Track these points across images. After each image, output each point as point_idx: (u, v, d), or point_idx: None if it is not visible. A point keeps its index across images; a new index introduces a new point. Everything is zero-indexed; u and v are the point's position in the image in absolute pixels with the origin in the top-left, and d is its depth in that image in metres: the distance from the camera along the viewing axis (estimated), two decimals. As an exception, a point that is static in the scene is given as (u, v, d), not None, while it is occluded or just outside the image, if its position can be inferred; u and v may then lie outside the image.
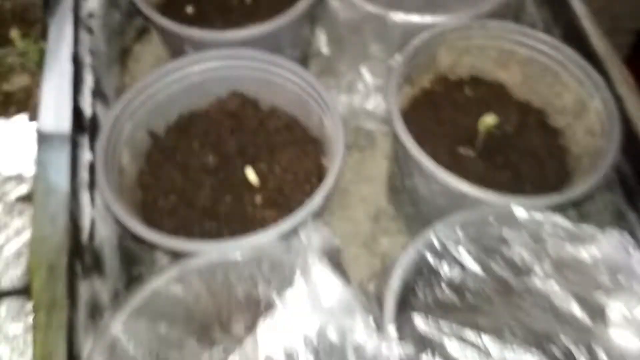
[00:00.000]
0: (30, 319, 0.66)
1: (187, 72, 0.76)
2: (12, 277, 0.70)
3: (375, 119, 0.91)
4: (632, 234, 0.74)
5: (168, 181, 0.74)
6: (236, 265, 0.59)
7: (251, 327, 0.55)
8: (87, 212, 0.72)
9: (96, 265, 0.71)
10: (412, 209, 0.81)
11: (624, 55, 2.04)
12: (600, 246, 0.59)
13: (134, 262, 0.79)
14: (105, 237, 0.75)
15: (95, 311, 0.68)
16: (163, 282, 0.60)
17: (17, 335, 0.66)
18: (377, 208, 0.88)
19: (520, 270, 0.61)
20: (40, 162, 0.71)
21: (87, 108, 0.78)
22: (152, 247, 0.68)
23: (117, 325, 0.57)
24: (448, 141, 0.78)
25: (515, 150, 0.78)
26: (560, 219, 0.62)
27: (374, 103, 0.90)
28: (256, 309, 0.57)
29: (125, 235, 0.74)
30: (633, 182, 0.77)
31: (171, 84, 0.76)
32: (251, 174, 0.73)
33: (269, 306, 0.56)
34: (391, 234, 0.85)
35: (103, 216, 0.76)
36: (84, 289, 0.67)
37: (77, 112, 0.76)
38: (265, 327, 0.55)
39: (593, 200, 0.78)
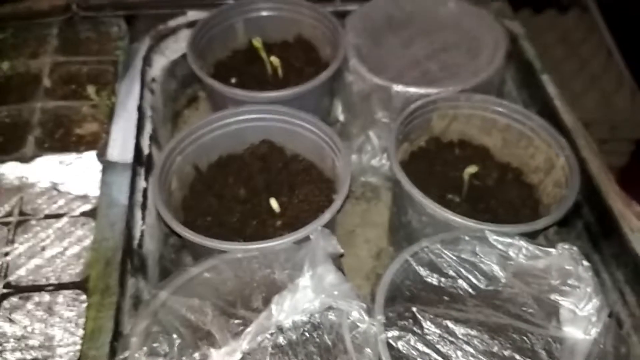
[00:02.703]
0: (83, 307, 0.80)
1: (228, 122, 0.95)
2: (71, 273, 0.84)
3: (380, 175, 1.08)
4: (597, 273, 0.88)
5: (206, 206, 0.90)
6: (258, 256, 0.74)
7: (267, 304, 0.69)
8: (138, 226, 0.88)
9: (142, 268, 0.86)
10: (407, 244, 0.95)
11: (624, 163, 2.20)
12: (554, 257, 0.72)
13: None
14: (150, 250, 0.90)
15: (138, 305, 0.82)
16: (198, 270, 0.74)
17: (70, 318, 0.80)
18: (379, 248, 1.02)
19: (489, 278, 0.75)
20: (105, 183, 0.88)
21: (145, 148, 0.97)
22: (188, 247, 0.83)
23: (159, 300, 0.71)
24: (438, 189, 0.93)
25: (495, 200, 0.93)
26: (524, 242, 0.76)
27: (380, 161, 1.07)
28: (272, 289, 0.71)
29: (167, 246, 0.90)
30: (596, 229, 0.91)
31: (214, 130, 0.94)
32: (274, 203, 0.89)
33: (283, 287, 0.70)
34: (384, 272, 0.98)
35: (151, 233, 0.91)
36: (131, 284, 0.82)
37: (137, 149, 0.94)
38: (277, 302, 0.68)
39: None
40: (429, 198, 0.83)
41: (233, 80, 1.08)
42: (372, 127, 1.05)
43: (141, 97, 1.01)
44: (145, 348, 0.66)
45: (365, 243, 1.03)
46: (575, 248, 0.72)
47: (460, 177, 0.93)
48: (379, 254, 1.01)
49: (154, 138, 1.01)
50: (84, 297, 0.81)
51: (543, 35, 2.19)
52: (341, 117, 1.11)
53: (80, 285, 0.83)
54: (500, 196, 0.94)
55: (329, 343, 0.68)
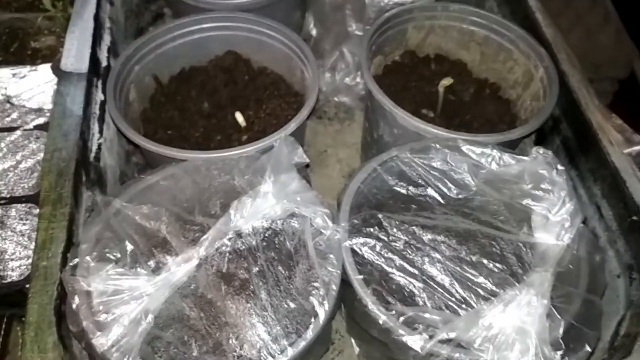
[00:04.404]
0: (36, 220, 0.76)
1: (190, 30, 0.89)
2: (24, 187, 0.80)
3: (354, 94, 1.04)
4: (574, 189, 0.85)
5: (167, 119, 0.86)
6: (218, 163, 0.70)
7: (226, 210, 0.65)
8: (95, 138, 0.83)
9: (99, 182, 0.81)
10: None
11: (608, 103, 2.17)
12: (527, 163, 0.69)
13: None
14: (110, 165, 0.86)
15: (94, 217, 0.78)
16: (155, 178, 0.70)
17: (23, 232, 0.76)
18: (351, 168, 0.99)
19: (460, 186, 0.71)
20: (59, 92, 0.83)
21: (103, 59, 0.91)
22: (150, 163, 0.79)
23: (112, 208, 0.67)
24: (412, 104, 0.89)
25: (471, 115, 0.89)
26: (497, 151, 0.72)
27: (354, 79, 1.02)
28: (231, 195, 0.67)
29: (130, 165, 0.86)
30: (574, 144, 0.87)
31: (175, 39, 0.89)
32: (239, 117, 0.85)
33: (243, 194, 0.66)
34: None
35: (110, 148, 0.87)
36: (86, 197, 0.77)
37: (94, 59, 0.88)
38: (236, 208, 0.65)
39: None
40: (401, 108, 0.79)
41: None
42: (346, 42, 1.00)
43: (98, 6, 0.94)
44: (95, 254, 0.62)
45: (337, 163, 1.00)
46: (549, 152, 0.69)
47: (436, 92, 0.88)
48: (351, 174, 0.98)
49: (113, 51, 0.94)
50: (37, 210, 0.77)
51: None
52: (314, 32, 1.05)
53: (33, 199, 0.80)
54: (477, 111, 0.90)
55: (291, 249, 0.65)
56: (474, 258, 0.64)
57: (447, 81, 0.85)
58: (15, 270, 0.73)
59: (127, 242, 0.64)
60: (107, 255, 0.63)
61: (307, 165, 0.75)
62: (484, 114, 0.89)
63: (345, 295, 0.65)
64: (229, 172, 0.69)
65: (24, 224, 0.77)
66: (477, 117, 0.89)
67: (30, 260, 0.73)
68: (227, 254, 0.63)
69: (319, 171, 0.98)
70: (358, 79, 1.02)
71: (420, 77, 0.93)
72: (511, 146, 0.82)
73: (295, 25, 1.05)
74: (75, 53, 0.87)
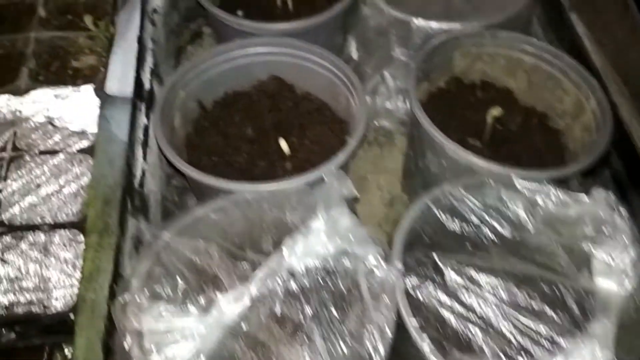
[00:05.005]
0: (80, 248, 0.75)
1: (234, 55, 0.89)
2: (68, 212, 0.79)
3: (395, 119, 1.02)
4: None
5: (212, 144, 0.85)
6: (268, 197, 0.68)
7: (277, 246, 0.64)
8: (139, 164, 0.83)
9: (143, 209, 0.81)
10: (424, 191, 0.89)
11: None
12: (587, 204, 0.67)
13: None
14: (152, 190, 0.85)
15: (139, 247, 0.77)
16: (204, 211, 0.69)
17: (67, 259, 0.75)
18: (392, 195, 0.97)
19: (515, 226, 0.69)
20: (104, 117, 0.82)
21: (146, 82, 0.90)
22: (192, 188, 0.78)
23: (162, 241, 0.66)
24: (458, 132, 0.87)
25: (518, 145, 0.87)
26: (553, 188, 0.71)
27: (395, 104, 1.01)
28: (283, 231, 0.66)
29: (170, 188, 0.85)
30: (624, 177, 0.85)
31: (220, 64, 0.88)
32: (284, 144, 0.84)
33: (294, 230, 0.65)
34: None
35: (152, 173, 0.86)
36: (132, 224, 0.77)
37: (138, 82, 0.87)
38: (289, 245, 0.63)
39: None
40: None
41: (240, 13, 1.01)
42: (388, 66, 0.98)
43: (142, 28, 0.93)
44: (146, 290, 0.61)
45: (378, 190, 0.98)
46: (611, 194, 0.66)
47: (482, 121, 0.87)
48: (392, 202, 0.97)
49: (155, 73, 0.94)
50: (81, 237, 0.76)
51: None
52: (355, 56, 1.04)
53: (77, 225, 0.79)
54: (525, 141, 0.88)
55: (344, 290, 0.64)
56: (533, 304, 0.62)
57: (496, 111, 0.84)
58: (59, 300, 0.72)
59: (177, 278, 0.63)
60: (158, 291, 0.62)
61: (356, 199, 0.74)
62: (532, 144, 0.87)
63: (398, 336, 0.63)
64: (280, 207, 0.68)
65: (68, 251, 0.76)
66: (526, 148, 0.87)
67: (74, 289, 0.72)
68: (281, 295, 0.62)
69: (360, 197, 0.96)
70: (399, 103, 1.01)
71: (466, 105, 0.91)
72: (563, 180, 0.81)
73: (337, 48, 1.04)
74: (120, 76, 0.87)
